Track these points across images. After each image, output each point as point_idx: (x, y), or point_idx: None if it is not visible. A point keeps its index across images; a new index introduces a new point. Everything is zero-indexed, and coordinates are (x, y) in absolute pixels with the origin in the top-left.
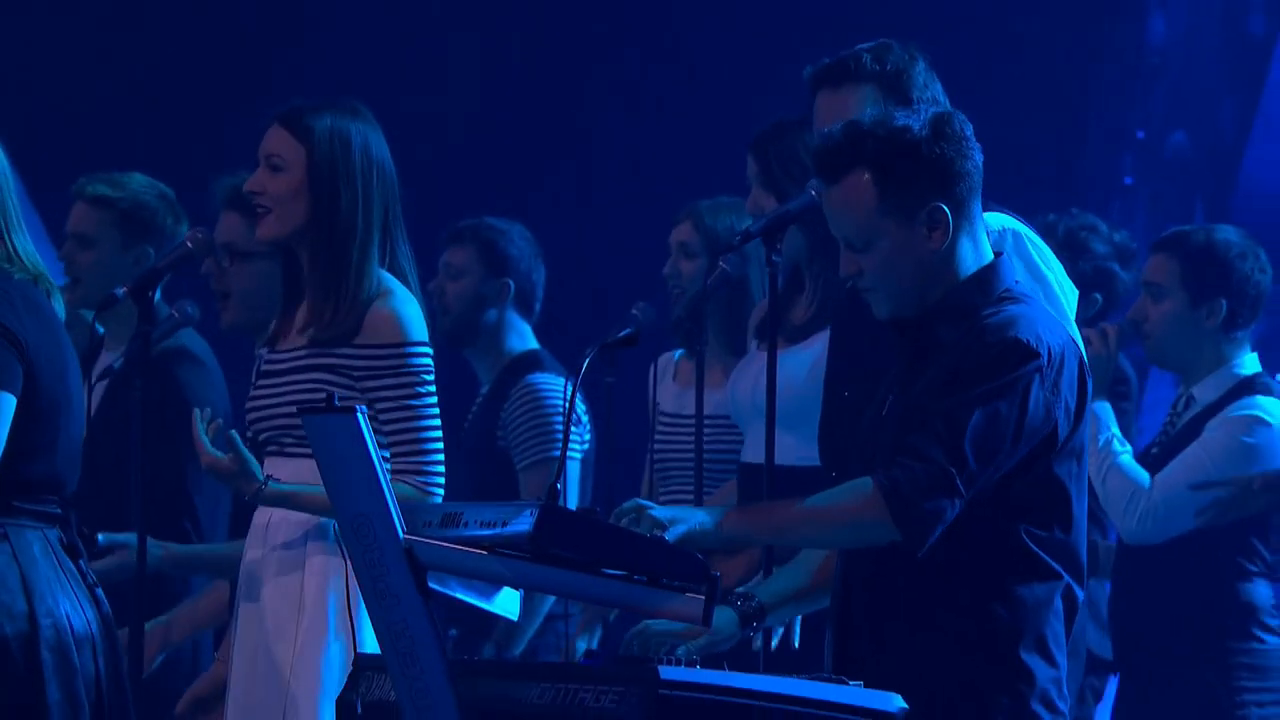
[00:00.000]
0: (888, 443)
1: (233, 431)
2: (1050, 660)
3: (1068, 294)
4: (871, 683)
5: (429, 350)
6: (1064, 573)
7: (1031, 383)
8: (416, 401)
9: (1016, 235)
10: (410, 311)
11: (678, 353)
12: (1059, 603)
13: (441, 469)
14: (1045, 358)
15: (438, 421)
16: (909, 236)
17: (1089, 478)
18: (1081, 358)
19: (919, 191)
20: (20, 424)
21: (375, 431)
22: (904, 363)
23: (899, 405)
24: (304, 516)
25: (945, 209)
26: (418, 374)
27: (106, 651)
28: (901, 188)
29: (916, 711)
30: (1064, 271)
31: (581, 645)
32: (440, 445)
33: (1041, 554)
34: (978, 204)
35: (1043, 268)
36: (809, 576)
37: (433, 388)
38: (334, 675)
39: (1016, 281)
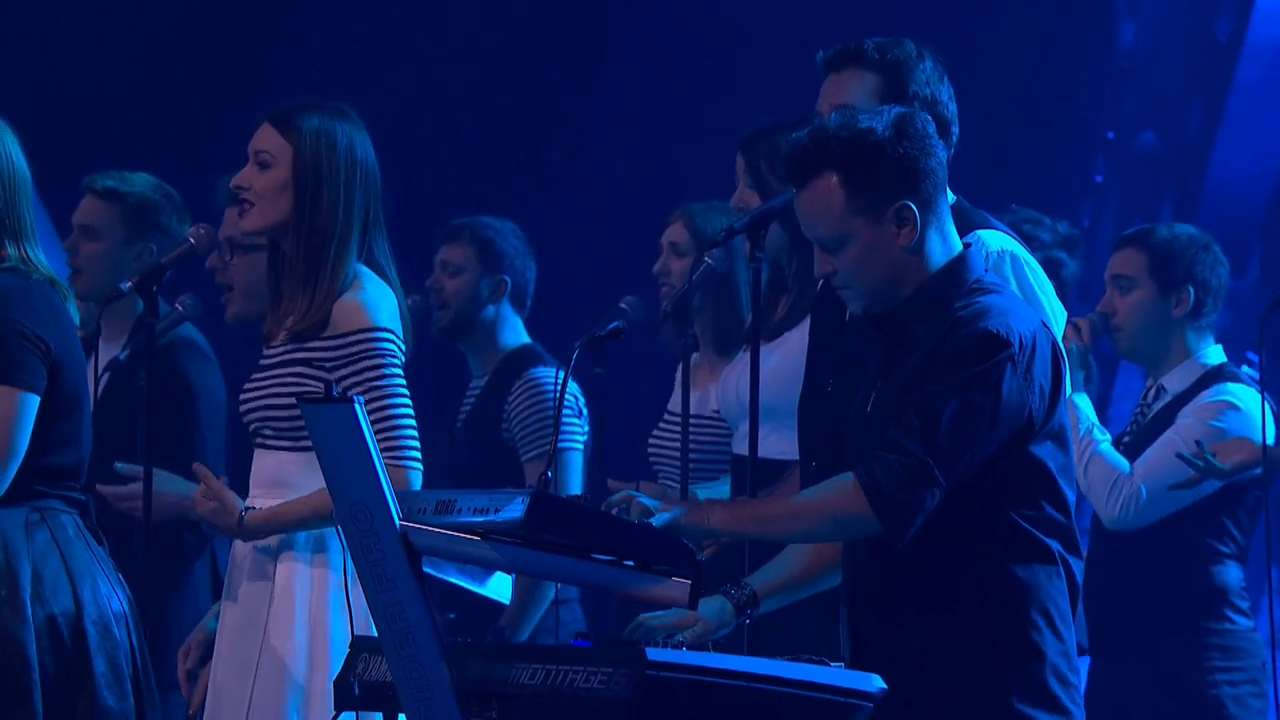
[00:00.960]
0: (871, 438)
1: (196, 465)
2: (1057, 635)
3: (1059, 315)
4: (887, 672)
5: (393, 335)
6: (1060, 549)
7: (1004, 371)
8: (383, 383)
9: (1014, 258)
10: (374, 298)
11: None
12: (1059, 578)
13: (416, 445)
14: (1016, 346)
15: (407, 401)
16: (878, 235)
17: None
18: (1054, 341)
19: (885, 190)
20: (46, 418)
21: None
22: (881, 357)
23: (880, 401)
24: None
25: (912, 206)
26: (383, 357)
27: (136, 629)
28: (868, 187)
29: (934, 697)
30: (1054, 292)
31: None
32: (412, 423)
33: (1035, 532)
34: (944, 199)
35: (1037, 291)
36: (800, 565)
37: (398, 370)
38: (301, 669)
39: (986, 271)
